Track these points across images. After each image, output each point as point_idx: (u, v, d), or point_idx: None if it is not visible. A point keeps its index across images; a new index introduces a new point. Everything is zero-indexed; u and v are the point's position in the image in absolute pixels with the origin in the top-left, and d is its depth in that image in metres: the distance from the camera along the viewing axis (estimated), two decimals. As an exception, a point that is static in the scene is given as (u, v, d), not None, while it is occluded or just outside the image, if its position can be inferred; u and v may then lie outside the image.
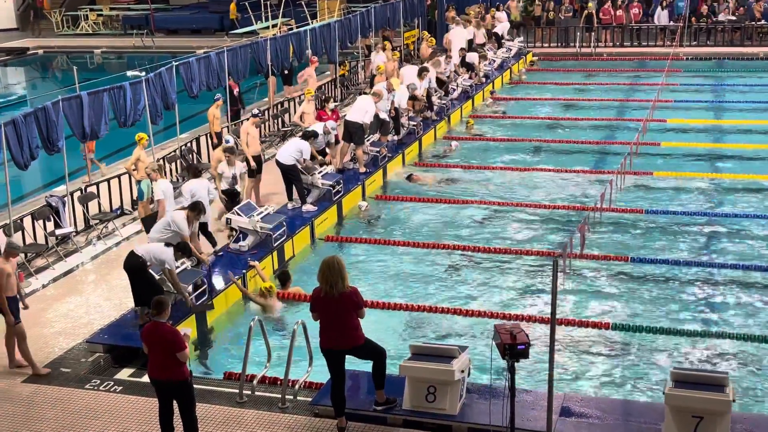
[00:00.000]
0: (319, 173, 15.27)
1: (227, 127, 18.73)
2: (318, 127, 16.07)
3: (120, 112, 15.20)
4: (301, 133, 15.27)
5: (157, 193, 12.60)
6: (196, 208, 11.64)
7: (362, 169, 16.71)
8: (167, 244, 10.88)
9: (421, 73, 20.09)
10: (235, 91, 19.41)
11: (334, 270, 8.14)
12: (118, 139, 18.20)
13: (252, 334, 9.23)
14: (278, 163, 14.77)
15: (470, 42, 25.44)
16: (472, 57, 24.72)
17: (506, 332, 7.82)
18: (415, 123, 19.55)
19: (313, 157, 15.98)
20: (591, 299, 12.09)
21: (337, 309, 8.16)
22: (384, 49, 23.25)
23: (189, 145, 17.47)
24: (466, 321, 11.43)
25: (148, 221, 12.43)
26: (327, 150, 16.46)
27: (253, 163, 15.13)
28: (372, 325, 10.71)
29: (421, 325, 11.42)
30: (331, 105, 17.40)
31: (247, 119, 16.78)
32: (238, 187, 14.01)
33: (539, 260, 13.32)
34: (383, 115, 18.48)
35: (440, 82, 22.14)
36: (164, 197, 12.38)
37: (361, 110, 16.87)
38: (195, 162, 17.26)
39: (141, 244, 11.18)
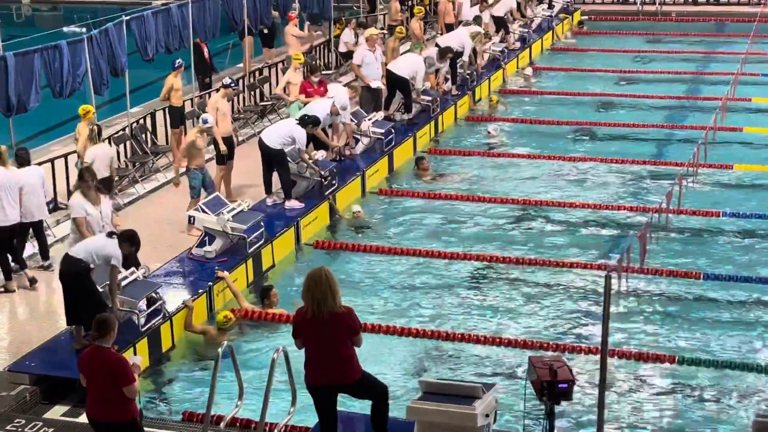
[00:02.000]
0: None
1: (191, 99, 18.75)
2: (321, 106, 15.99)
3: (55, 78, 15.22)
4: (299, 117, 15.22)
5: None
6: (82, 176, 11.60)
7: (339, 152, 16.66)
8: (110, 234, 10.88)
9: (445, 54, 20.08)
10: (205, 52, 19.36)
11: (321, 284, 8.16)
12: (51, 114, 18.18)
13: (220, 364, 9.22)
14: (262, 145, 14.78)
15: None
16: (507, 4, 24.72)
17: (544, 366, 7.81)
18: (430, 99, 19.58)
19: (324, 146, 15.95)
20: (652, 325, 12.08)
21: (327, 334, 8.17)
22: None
23: (142, 122, 17.49)
24: (493, 351, 11.43)
25: None
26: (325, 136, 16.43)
27: (222, 146, 15.14)
28: (372, 355, 10.71)
29: (435, 356, 11.41)
30: (315, 78, 17.30)
31: (217, 90, 16.77)
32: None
33: (587, 275, 13.32)
34: (375, 84, 18.47)
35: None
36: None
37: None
38: (148, 143, 17.27)
39: (75, 245, 11.14)
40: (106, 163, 13.81)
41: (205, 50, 19.41)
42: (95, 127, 14.03)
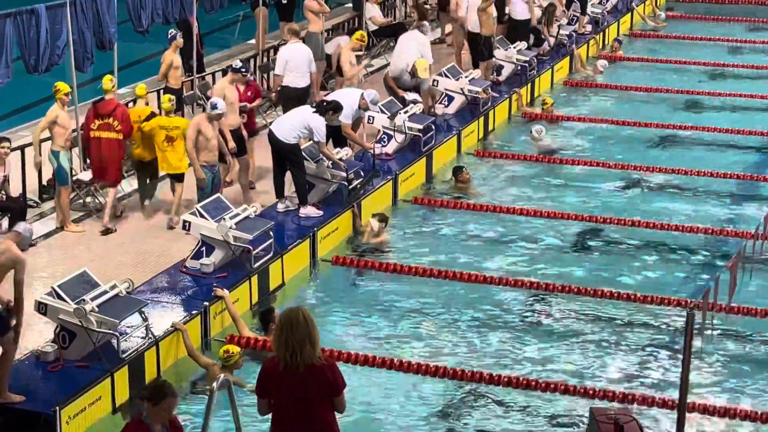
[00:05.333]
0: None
1: (191, 81, 18.82)
2: (348, 98, 16.03)
3: (30, 49, 15.29)
4: (315, 103, 15.21)
5: None
6: None
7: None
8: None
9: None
10: (194, 27, 19.26)
11: (299, 327, 7.75)
12: (23, 92, 18.30)
13: (214, 402, 9.20)
14: (272, 139, 14.79)
15: None
16: None
17: (609, 421, 7.77)
18: (479, 91, 19.56)
19: (340, 140, 16.01)
20: (742, 375, 12.02)
21: (303, 393, 7.80)
22: None
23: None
24: (545, 399, 11.38)
25: None
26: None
27: (231, 142, 15.18)
28: (395, 397, 10.68)
29: (473, 402, 11.37)
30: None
31: (224, 72, 16.79)
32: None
33: (663, 312, 13.26)
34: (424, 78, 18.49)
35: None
36: None
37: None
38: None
39: None
40: None
41: (195, 26, 19.21)
42: None
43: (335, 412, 7.95)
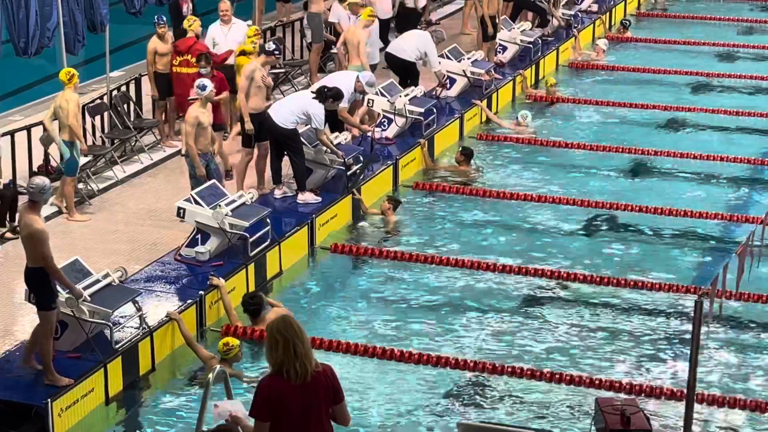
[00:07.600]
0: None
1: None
2: (345, 80, 16.01)
3: (19, 31, 15.28)
4: (315, 89, 15.20)
5: None
6: None
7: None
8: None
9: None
10: (185, 7, 19.10)
11: (302, 334, 7.42)
12: (13, 76, 18.27)
13: (209, 393, 9.21)
14: (270, 124, 14.75)
15: None
16: None
17: (615, 411, 7.78)
18: (482, 73, 19.50)
19: (337, 125, 16.04)
20: (753, 363, 12.02)
21: (308, 404, 7.47)
22: None
23: (124, 89, 17.57)
24: (551, 390, 11.38)
25: None
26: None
27: (249, 125, 15.11)
28: (391, 389, 10.68)
29: (475, 393, 11.38)
30: (203, 70, 16.44)
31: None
32: None
33: (671, 298, 13.26)
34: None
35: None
36: None
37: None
38: (131, 116, 17.33)
39: None
40: None
41: (185, 6, 19.08)
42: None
43: (341, 425, 7.67)
